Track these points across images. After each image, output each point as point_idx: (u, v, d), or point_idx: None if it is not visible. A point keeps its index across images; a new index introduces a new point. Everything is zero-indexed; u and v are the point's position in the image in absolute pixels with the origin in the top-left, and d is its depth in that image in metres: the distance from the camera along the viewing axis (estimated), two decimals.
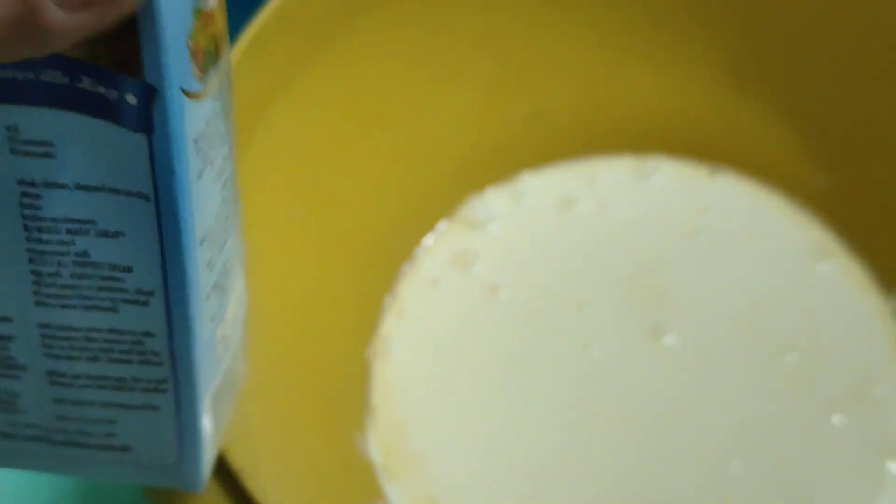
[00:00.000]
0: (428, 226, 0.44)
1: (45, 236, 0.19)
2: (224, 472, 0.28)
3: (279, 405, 0.36)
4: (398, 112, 0.42)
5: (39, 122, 0.17)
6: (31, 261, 0.19)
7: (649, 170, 0.45)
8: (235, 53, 0.35)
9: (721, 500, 0.37)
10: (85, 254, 0.19)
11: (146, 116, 0.17)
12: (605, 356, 0.41)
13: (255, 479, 0.28)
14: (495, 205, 0.45)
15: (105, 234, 0.19)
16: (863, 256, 0.42)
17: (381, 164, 0.42)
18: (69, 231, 0.19)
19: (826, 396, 0.39)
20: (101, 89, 0.16)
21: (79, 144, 0.18)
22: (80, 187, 0.18)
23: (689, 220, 0.44)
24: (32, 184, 0.18)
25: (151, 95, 0.16)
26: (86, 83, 0.16)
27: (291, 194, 0.39)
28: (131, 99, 0.16)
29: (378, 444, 0.39)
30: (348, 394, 0.40)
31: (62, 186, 0.18)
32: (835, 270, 0.42)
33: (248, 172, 0.34)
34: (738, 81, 0.44)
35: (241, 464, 0.29)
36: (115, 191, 0.18)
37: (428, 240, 0.44)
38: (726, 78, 0.44)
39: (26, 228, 0.19)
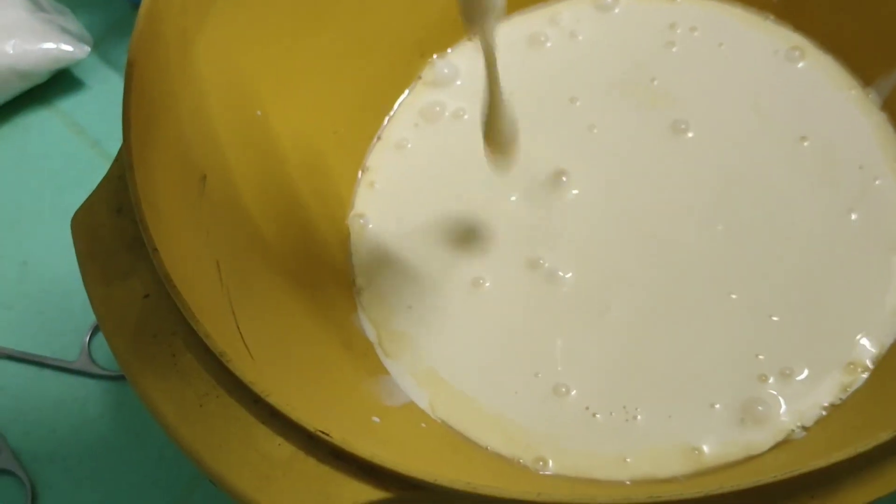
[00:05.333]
0: (394, 96, 0.45)
1: None
2: (232, 378, 0.29)
3: (274, 299, 0.37)
4: None
5: None
6: None
7: (609, 2, 0.46)
8: None
9: (748, 287, 0.38)
10: None
11: None
12: (626, 152, 0.42)
13: (258, 375, 0.29)
14: (459, 62, 0.45)
15: None
16: (834, 55, 0.43)
17: (342, 43, 0.42)
18: None
19: (840, 188, 0.40)
20: None
21: None
22: None
23: (662, 34, 0.45)
24: None
25: None
26: None
27: (255, 80, 0.39)
28: None
29: (370, 324, 0.40)
30: (336, 276, 0.41)
31: None
32: (813, 67, 0.43)
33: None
34: None
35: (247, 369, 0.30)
36: None
37: (394, 107, 0.45)
38: None
39: None
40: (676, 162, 0.41)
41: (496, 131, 0.37)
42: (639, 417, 0.36)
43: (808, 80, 0.43)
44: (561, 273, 0.39)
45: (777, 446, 0.34)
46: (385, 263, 0.41)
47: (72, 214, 0.33)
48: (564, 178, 0.42)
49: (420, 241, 0.42)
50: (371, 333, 0.40)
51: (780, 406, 0.35)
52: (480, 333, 0.39)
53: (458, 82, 0.45)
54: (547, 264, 0.40)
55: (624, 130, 0.43)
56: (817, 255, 0.38)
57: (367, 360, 0.39)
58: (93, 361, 0.45)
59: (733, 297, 0.38)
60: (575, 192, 0.41)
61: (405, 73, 0.45)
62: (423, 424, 0.37)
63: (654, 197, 0.41)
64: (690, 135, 0.42)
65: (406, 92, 0.45)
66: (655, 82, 0.43)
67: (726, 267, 0.38)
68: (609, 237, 0.40)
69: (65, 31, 0.51)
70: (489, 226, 0.41)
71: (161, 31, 0.34)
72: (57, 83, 0.53)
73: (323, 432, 0.27)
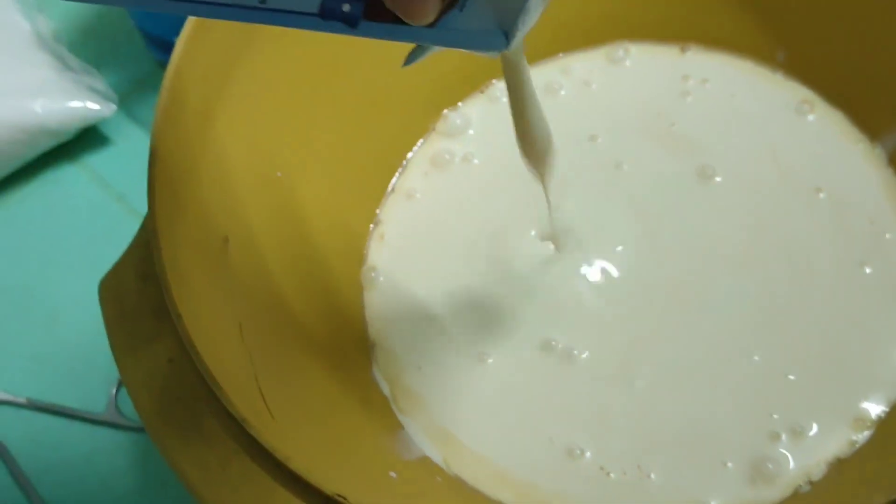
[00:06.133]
0: (407, 148, 0.46)
1: None
2: (254, 442, 0.29)
3: (295, 358, 0.38)
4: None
5: None
6: None
7: (621, 54, 0.47)
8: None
9: (771, 348, 0.39)
10: None
11: None
12: (656, 197, 0.42)
13: (278, 438, 0.29)
14: (471, 112, 0.47)
15: None
16: (842, 110, 0.44)
17: (357, 105, 0.44)
18: None
19: (854, 241, 0.40)
20: None
21: None
22: None
23: (675, 84, 0.46)
24: None
25: None
26: None
27: (267, 144, 0.40)
28: None
29: (384, 380, 0.41)
30: (353, 331, 0.42)
31: None
32: (823, 120, 0.44)
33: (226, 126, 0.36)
34: None
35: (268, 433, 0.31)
36: None
37: (406, 159, 0.46)
38: None
39: None
40: (707, 210, 0.42)
41: (531, 140, 0.36)
42: (652, 476, 0.37)
43: (820, 132, 0.44)
44: (576, 352, 0.40)
45: (783, 501, 0.35)
46: (395, 320, 0.42)
47: (98, 267, 0.34)
48: (601, 231, 0.42)
49: (428, 299, 0.42)
50: (385, 389, 0.41)
51: (790, 463, 0.36)
52: (490, 402, 0.39)
53: (471, 132, 0.46)
54: (560, 345, 0.40)
55: (651, 170, 0.43)
56: (834, 310, 0.39)
57: (384, 416, 0.40)
58: (120, 413, 0.47)
59: (756, 358, 0.38)
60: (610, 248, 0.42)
61: (419, 126, 0.47)
62: (439, 478, 0.38)
63: (684, 249, 0.41)
64: (718, 180, 0.43)
65: (419, 143, 0.47)
66: (674, 127, 0.45)
67: (751, 327, 0.39)
68: (634, 301, 0.40)
69: (91, 89, 0.53)
70: (498, 290, 0.42)
71: (184, 102, 0.35)
72: (84, 140, 0.54)
73: (340, 496, 0.28)
